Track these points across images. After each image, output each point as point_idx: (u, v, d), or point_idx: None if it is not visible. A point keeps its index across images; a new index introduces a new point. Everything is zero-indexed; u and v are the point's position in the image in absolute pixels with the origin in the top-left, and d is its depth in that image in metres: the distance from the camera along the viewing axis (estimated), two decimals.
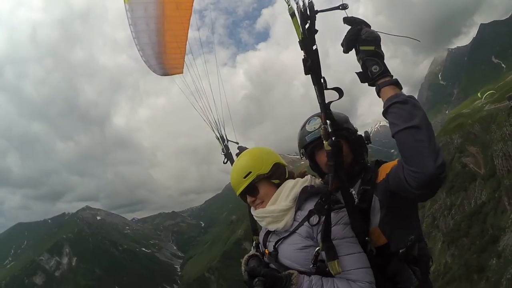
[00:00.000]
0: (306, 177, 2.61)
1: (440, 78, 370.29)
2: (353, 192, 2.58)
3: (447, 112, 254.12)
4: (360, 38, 2.09)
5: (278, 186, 2.54)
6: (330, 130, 2.16)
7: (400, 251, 2.29)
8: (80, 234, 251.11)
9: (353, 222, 2.25)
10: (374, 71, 2.06)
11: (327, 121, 2.16)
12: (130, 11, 3.90)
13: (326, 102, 2.16)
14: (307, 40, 2.08)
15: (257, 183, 2.52)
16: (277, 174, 2.57)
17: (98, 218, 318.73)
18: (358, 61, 2.14)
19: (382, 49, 2.12)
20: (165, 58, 4.45)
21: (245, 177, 2.51)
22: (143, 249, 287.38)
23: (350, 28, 2.13)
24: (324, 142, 2.17)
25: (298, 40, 2.10)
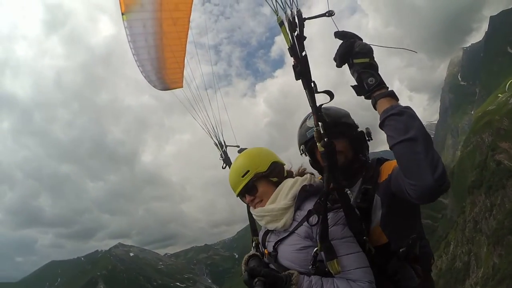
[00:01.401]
0: (305, 175, 2.62)
1: (459, 79, 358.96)
2: (348, 192, 2.61)
3: (472, 112, 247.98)
4: (354, 51, 2.11)
5: (277, 184, 2.58)
6: (322, 132, 2.17)
7: (401, 250, 2.32)
8: (114, 270, 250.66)
9: (350, 221, 2.26)
10: (370, 83, 2.08)
11: (319, 123, 2.17)
12: (129, 27, 3.98)
13: (318, 105, 2.18)
14: (296, 47, 2.13)
15: (255, 181, 2.55)
16: (275, 172, 2.61)
17: (131, 254, 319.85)
18: (353, 74, 2.16)
19: (377, 61, 2.15)
20: (165, 73, 4.55)
21: (243, 176, 2.55)
22: (178, 283, 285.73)
23: (343, 42, 2.17)
24: (317, 143, 2.18)
25: (288, 47, 2.15)
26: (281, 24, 2.14)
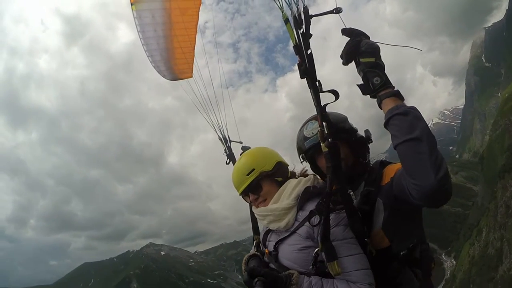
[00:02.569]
0: (309, 176, 2.64)
1: (484, 60, 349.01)
2: (351, 193, 2.61)
3: (499, 94, 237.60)
4: (360, 50, 2.11)
5: (281, 184, 2.57)
6: (326, 132, 2.17)
7: (402, 253, 2.31)
8: (147, 269, 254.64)
9: (352, 223, 2.26)
10: (375, 82, 2.07)
11: (323, 123, 2.18)
12: (138, 18, 4.04)
13: (322, 104, 2.17)
14: (302, 45, 2.11)
15: (260, 180, 2.55)
16: (280, 172, 2.61)
17: (162, 253, 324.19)
18: (359, 73, 2.16)
19: (382, 60, 2.15)
20: (174, 63, 4.57)
21: (248, 174, 2.54)
22: (209, 280, 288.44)
23: (349, 40, 2.16)
24: (321, 144, 2.18)
25: (293, 45, 2.13)
26: (286, 21, 2.13)
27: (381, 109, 2.10)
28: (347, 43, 2.14)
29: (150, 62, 4.45)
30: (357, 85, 2.15)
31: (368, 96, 2.15)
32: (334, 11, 2.08)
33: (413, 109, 1.98)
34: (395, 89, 2.08)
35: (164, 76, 4.67)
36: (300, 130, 2.81)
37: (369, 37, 2.15)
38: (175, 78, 4.70)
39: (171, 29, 4.25)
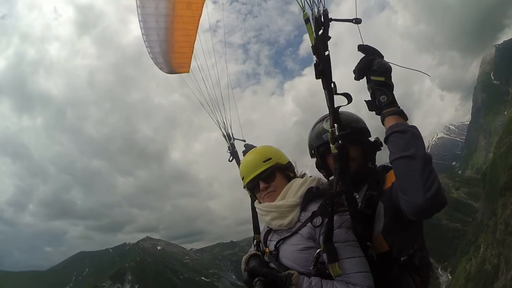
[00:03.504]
0: (313, 177, 2.68)
1: (492, 77, 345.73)
2: (357, 196, 2.57)
3: (505, 112, 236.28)
4: (372, 68, 2.20)
5: (290, 180, 2.63)
6: (337, 134, 2.21)
7: (402, 258, 2.34)
8: (142, 263, 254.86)
9: (355, 226, 2.28)
10: (382, 100, 2.17)
11: (335, 124, 2.21)
12: (141, 7, 4.03)
13: (335, 106, 2.22)
14: (320, 46, 2.16)
15: (275, 170, 2.60)
16: (292, 169, 2.71)
17: (159, 248, 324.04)
18: (368, 89, 2.25)
19: (393, 80, 2.22)
20: (173, 56, 4.58)
21: (265, 161, 2.58)
22: (203, 278, 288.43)
23: (363, 57, 2.26)
24: (331, 145, 2.22)
25: (311, 45, 2.18)
26: (306, 21, 2.18)
27: (384, 126, 2.19)
28: (361, 59, 2.25)
29: (148, 53, 4.48)
30: (365, 100, 2.27)
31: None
32: (354, 21, 2.17)
33: (413, 128, 2.06)
34: (399, 108, 2.17)
35: (161, 69, 4.70)
36: (317, 124, 2.88)
37: (383, 56, 2.26)
38: (172, 72, 4.74)
39: (173, 22, 4.27)
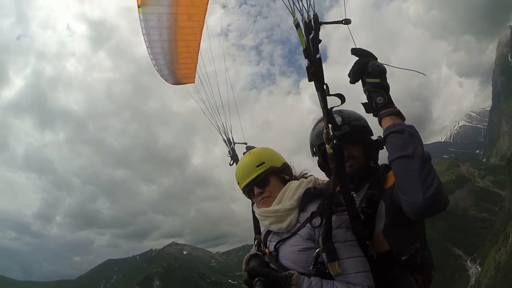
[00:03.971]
0: (310, 177, 2.65)
1: (510, 60, 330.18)
2: (354, 195, 2.53)
3: None
4: (367, 71, 2.22)
5: (285, 183, 2.60)
6: (332, 134, 2.22)
7: (403, 258, 2.33)
8: (169, 268, 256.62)
9: (354, 225, 2.27)
10: (378, 102, 2.19)
11: (329, 125, 2.23)
12: (144, 20, 4.12)
13: (329, 107, 2.23)
14: (311, 49, 2.19)
15: (269, 174, 2.57)
16: (287, 171, 2.66)
17: (185, 252, 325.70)
18: (364, 92, 2.27)
19: (388, 82, 2.25)
20: (177, 67, 4.63)
21: (258, 166, 2.56)
22: (230, 281, 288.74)
23: (357, 60, 2.28)
24: (326, 145, 2.22)
25: (302, 49, 2.22)
26: (297, 26, 2.22)
27: (381, 127, 2.21)
28: (355, 62, 2.27)
29: (154, 65, 4.53)
30: (362, 103, 2.29)
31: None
32: (343, 22, 2.23)
33: (409, 127, 2.07)
34: (396, 108, 2.19)
35: (166, 80, 4.73)
36: (318, 123, 2.84)
37: (376, 59, 2.28)
38: (177, 83, 4.78)
39: (176, 34, 4.33)
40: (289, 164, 2.72)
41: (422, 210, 1.90)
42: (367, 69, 2.20)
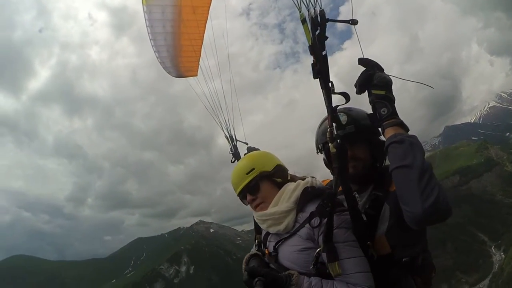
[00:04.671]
0: (307, 179, 2.59)
1: None
2: (356, 195, 2.58)
3: None
4: (372, 83, 2.22)
5: (280, 186, 2.56)
6: (335, 133, 2.23)
7: (404, 259, 2.31)
8: (197, 245, 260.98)
9: (355, 226, 2.26)
10: (382, 113, 2.19)
11: (333, 123, 2.23)
12: (148, 13, 4.10)
13: (333, 106, 2.22)
14: (317, 46, 2.17)
15: (259, 180, 2.55)
16: (279, 174, 2.60)
17: (211, 230, 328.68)
18: (370, 103, 2.28)
19: (393, 93, 2.24)
20: (181, 60, 4.60)
21: (247, 173, 2.55)
22: None
23: (364, 71, 2.27)
24: (329, 144, 2.22)
25: (308, 45, 2.19)
26: (303, 21, 2.18)
27: (384, 138, 2.22)
28: (361, 74, 2.27)
29: (157, 57, 4.52)
30: (367, 114, 2.40)
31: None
32: (350, 22, 2.22)
33: (411, 137, 2.08)
34: (399, 119, 2.18)
35: (169, 73, 4.72)
36: (323, 121, 2.79)
37: (383, 70, 2.28)
38: (180, 76, 4.76)
39: (180, 27, 4.30)
40: (283, 166, 2.67)
41: (421, 220, 1.90)
42: (373, 80, 2.22)
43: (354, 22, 2.20)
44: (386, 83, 2.21)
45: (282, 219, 2.41)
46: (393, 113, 2.18)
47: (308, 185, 2.50)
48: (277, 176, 2.58)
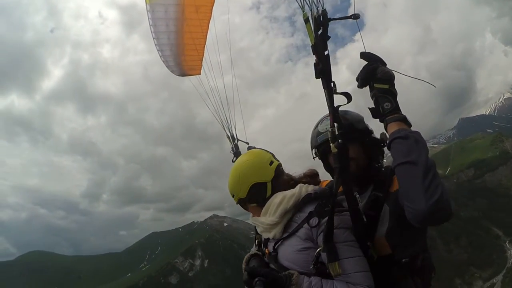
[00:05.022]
0: (294, 189, 2.51)
1: None
2: (357, 196, 2.55)
3: None
4: (376, 76, 2.19)
5: (262, 204, 2.53)
6: (337, 133, 2.19)
7: (403, 260, 2.29)
8: (211, 239, 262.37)
9: (355, 226, 2.24)
10: (385, 107, 2.16)
11: (335, 123, 2.20)
12: (151, 11, 4.12)
13: (335, 105, 2.20)
14: (319, 45, 2.15)
15: (241, 203, 2.64)
16: (254, 198, 2.56)
17: (225, 224, 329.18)
18: (372, 97, 2.24)
19: (396, 88, 2.22)
20: (183, 59, 4.61)
21: (233, 197, 2.64)
22: None
23: (366, 65, 2.24)
24: (331, 144, 2.20)
25: (311, 45, 2.18)
26: (306, 21, 2.18)
27: (387, 133, 2.20)
28: (363, 67, 2.24)
29: (160, 56, 4.53)
30: (369, 108, 2.27)
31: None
32: (352, 17, 2.20)
33: (415, 133, 2.04)
34: (402, 114, 2.15)
35: (172, 71, 4.73)
36: (315, 126, 2.79)
37: (385, 64, 2.25)
38: (183, 74, 4.77)
39: (183, 25, 4.31)
40: (260, 183, 2.53)
41: (424, 217, 1.85)
42: (376, 74, 2.18)
43: (356, 16, 2.20)
44: (390, 77, 2.20)
45: (269, 229, 2.45)
46: (396, 108, 2.16)
47: (293, 199, 2.42)
48: (252, 200, 2.57)
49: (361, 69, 2.26)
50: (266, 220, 2.44)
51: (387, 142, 2.16)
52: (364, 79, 2.23)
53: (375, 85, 2.19)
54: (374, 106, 2.23)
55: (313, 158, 2.87)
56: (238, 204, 2.67)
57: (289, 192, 2.47)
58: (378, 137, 2.67)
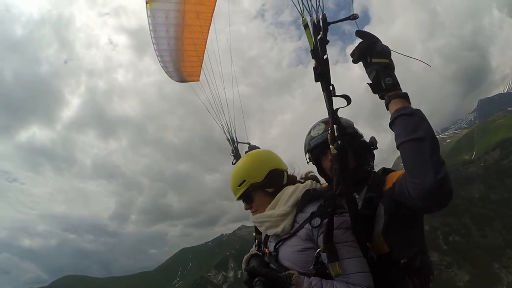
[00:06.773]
0: (306, 182, 2.55)
1: None
2: (357, 197, 2.55)
3: None
4: (375, 51, 2.15)
5: (273, 194, 2.53)
6: (336, 134, 2.21)
7: (402, 261, 2.29)
8: (242, 249, 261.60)
9: (355, 227, 2.25)
10: (388, 82, 2.11)
11: (334, 125, 2.21)
12: (152, 17, 4.14)
13: (334, 108, 2.22)
14: (319, 50, 2.18)
15: (251, 191, 2.57)
16: (272, 182, 2.56)
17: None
18: (369, 73, 2.20)
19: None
20: (183, 65, 4.61)
21: (239, 186, 2.57)
22: None
23: (363, 40, 2.21)
24: (330, 145, 2.21)
25: (310, 49, 2.20)
26: (305, 26, 2.21)
27: (388, 110, 2.15)
28: (361, 42, 2.21)
29: (159, 62, 4.53)
30: (368, 83, 2.22)
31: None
32: (351, 18, 2.20)
33: (419, 111, 2.03)
34: (403, 91, 2.13)
35: (171, 77, 4.74)
36: (308, 132, 2.87)
37: (381, 41, 2.21)
38: (182, 80, 4.75)
39: (183, 31, 4.33)
40: (279, 169, 2.61)
41: (430, 192, 1.83)
42: (376, 49, 2.16)
43: (354, 16, 2.20)
44: (389, 52, 2.17)
45: (279, 222, 2.41)
46: (397, 84, 2.12)
47: (308, 187, 2.49)
48: (269, 185, 2.55)
49: (356, 45, 2.24)
50: (277, 211, 2.42)
51: (390, 119, 2.10)
52: (362, 52, 2.18)
53: (374, 60, 2.15)
54: (373, 82, 2.18)
55: (307, 162, 2.93)
56: (240, 200, 2.66)
57: (300, 184, 2.51)
58: (366, 141, 2.79)
